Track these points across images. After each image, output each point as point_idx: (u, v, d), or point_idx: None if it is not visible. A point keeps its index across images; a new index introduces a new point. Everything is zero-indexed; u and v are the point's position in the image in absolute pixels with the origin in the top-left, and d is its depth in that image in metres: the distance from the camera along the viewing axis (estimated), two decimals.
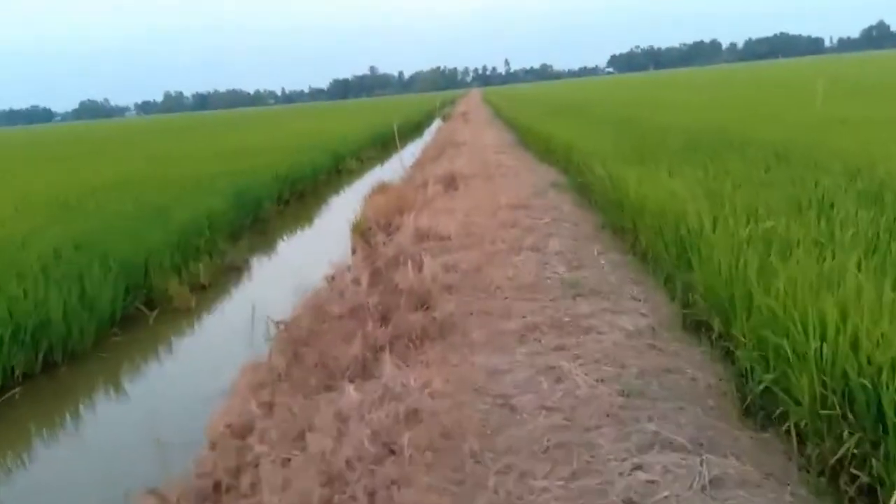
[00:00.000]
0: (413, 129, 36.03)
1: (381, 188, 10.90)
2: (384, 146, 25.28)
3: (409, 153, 20.56)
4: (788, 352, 2.95)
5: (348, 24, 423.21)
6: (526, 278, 5.28)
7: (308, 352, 4.71)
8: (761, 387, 3.13)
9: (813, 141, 9.30)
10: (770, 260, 3.92)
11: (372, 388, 3.64)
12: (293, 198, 13.28)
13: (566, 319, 4.38)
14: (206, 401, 4.38)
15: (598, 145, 11.96)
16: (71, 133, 49.03)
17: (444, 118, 41.65)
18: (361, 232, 8.72)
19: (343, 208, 11.30)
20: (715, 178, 7.34)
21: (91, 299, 5.89)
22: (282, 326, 5.63)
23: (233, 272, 8.12)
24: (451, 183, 11.28)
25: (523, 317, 4.50)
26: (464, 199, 9.64)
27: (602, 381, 3.42)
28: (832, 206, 5.22)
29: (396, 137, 15.04)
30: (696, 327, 4.35)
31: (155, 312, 6.79)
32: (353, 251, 8.62)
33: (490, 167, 12.97)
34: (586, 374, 3.49)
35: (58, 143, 31.64)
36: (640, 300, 4.88)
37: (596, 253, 6.22)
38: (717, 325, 4.05)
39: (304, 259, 8.49)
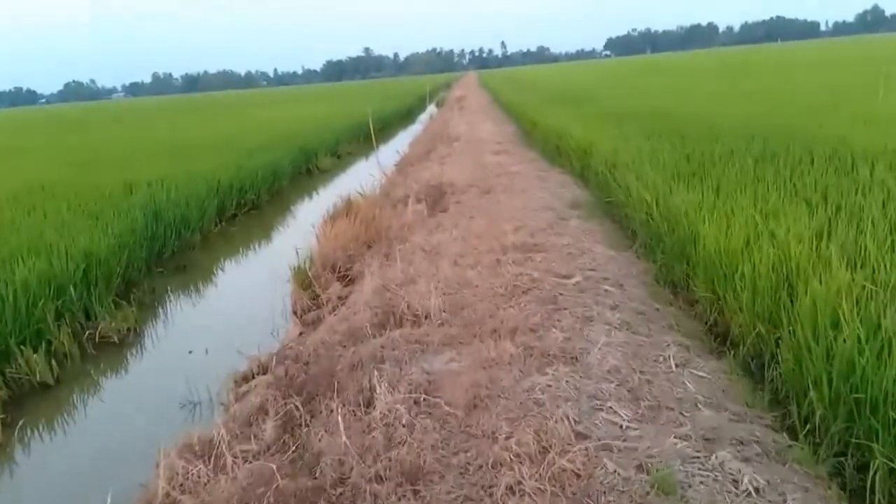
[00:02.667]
0: (403, 117, 33.20)
1: (347, 206, 8.28)
2: (368, 138, 22.51)
3: (395, 148, 17.84)
4: None
5: (343, 4, 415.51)
6: (566, 458, 2.68)
7: None
8: None
9: None
10: None
11: None
12: (241, 212, 10.60)
13: None
14: None
15: (624, 147, 9.34)
16: None
17: (438, 104, 38.77)
18: (306, 282, 6.09)
19: (303, 226, 8.68)
20: (840, 216, 4.75)
21: None
22: None
23: (102, 354, 5.39)
24: (438, 199, 8.63)
25: None
26: (454, 229, 7.01)
27: None
28: None
29: (373, 132, 12.31)
30: None
31: None
32: (294, 311, 6.00)
33: (489, 174, 10.32)
34: None
35: None
36: None
37: (674, 365, 3.62)
38: None
39: (218, 331, 5.88)
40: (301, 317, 5.82)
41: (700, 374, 3.58)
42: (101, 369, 5.11)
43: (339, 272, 6.65)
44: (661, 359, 3.69)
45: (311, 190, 13.50)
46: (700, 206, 5.57)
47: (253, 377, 4.41)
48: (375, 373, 3.44)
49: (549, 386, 3.33)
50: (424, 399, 3.27)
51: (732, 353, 4.01)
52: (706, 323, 4.60)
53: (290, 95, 59.71)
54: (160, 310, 6.39)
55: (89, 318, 5.75)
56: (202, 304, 6.77)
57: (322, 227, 7.79)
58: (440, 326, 4.29)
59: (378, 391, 3.28)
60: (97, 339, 5.44)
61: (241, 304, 6.56)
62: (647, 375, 3.46)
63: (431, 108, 36.96)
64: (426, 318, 4.44)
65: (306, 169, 15.28)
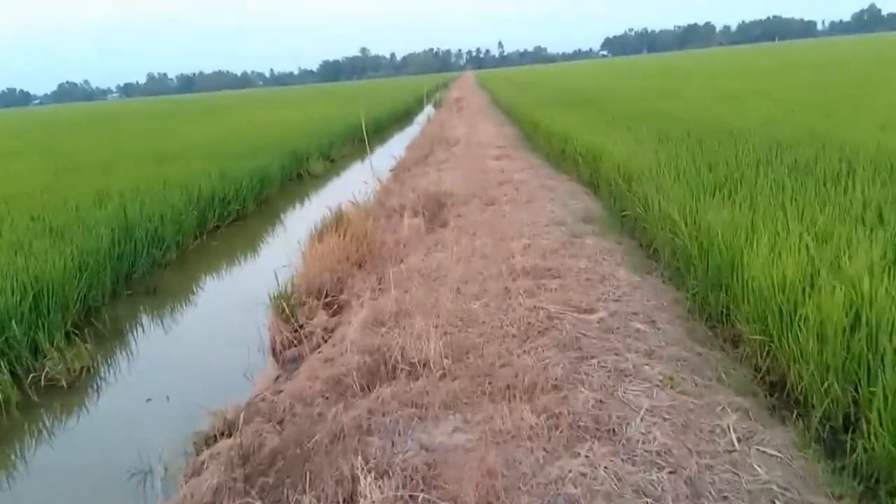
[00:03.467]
0: (400, 118, 32.45)
1: (337, 220, 7.53)
2: (364, 140, 21.75)
3: (391, 151, 17.09)
4: None
5: (340, 4, 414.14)
6: None
7: None
8: None
9: None
10: None
11: None
12: (225, 223, 9.84)
13: None
14: None
15: (637, 153, 8.62)
16: None
17: (436, 105, 38.03)
18: (286, 312, 5.34)
19: (290, 239, 7.93)
20: None
21: None
22: None
23: (46, 402, 4.59)
24: (436, 212, 7.89)
25: None
26: (455, 245, 6.27)
27: None
28: None
29: (366, 137, 11.56)
30: None
31: None
32: (272, 346, 5.26)
33: (491, 181, 9.58)
34: None
35: None
36: None
37: (735, 439, 2.88)
38: None
39: (184, 371, 5.14)
40: (280, 353, 5.08)
41: (769, 451, 2.85)
42: (40, 424, 4.35)
43: (327, 297, 5.91)
44: (718, 430, 2.95)
45: (302, 197, 12.73)
46: (736, 225, 4.84)
47: (216, 439, 3.67)
48: (360, 458, 2.69)
49: (583, 475, 2.59)
50: (423, 496, 2.53)
51: (799, 415, 3.28)
52: (757, 370, 3.87)
53: (284, 96, 58.89)
54: (121, 344, 5.62)
55: (38, 356, 5.00)
56: (170, 335, 6.00)
57: (309, 244, 7.04)
58: (441, 379, 3.55)
59: (362, 484, 2.53)
60: (42, 384, 4.68)
61: (213, 335, 5.80)
62: (705, 457, 2.73)
63: (429, 109, 36.22)
64: (424, 367, 3.70)
65: (297, 174, 14.51)
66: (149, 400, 4.51)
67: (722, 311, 4.49)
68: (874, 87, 14.25)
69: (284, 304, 5.47)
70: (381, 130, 25.69)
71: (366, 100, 37.27)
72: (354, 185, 11.49)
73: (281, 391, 4.03)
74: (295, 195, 12.76)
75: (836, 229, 4.54)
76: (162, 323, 6.22)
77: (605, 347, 3.75)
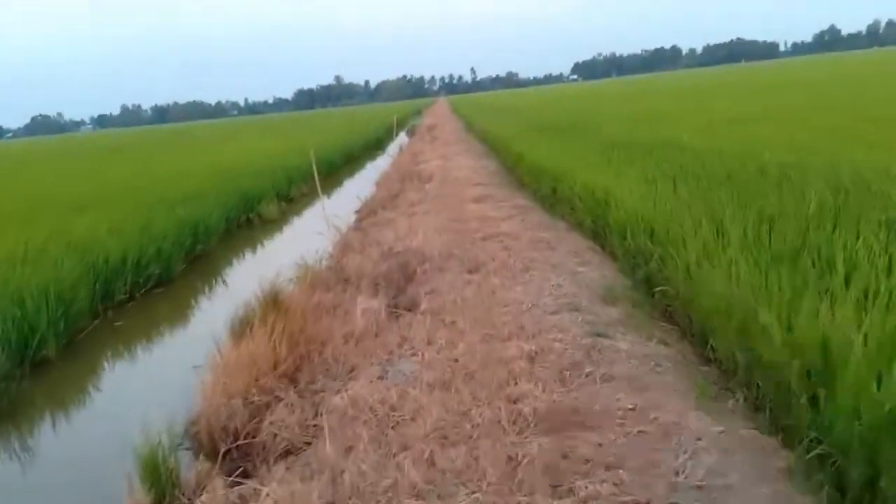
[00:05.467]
0: (371, 147, 30.64)
1: (268, 304, 5.58)
2: (329, 174, 19.91)
3: (357, 188, 15.22)
4: None
5: (313, 33, 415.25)
6: None
7: None
8: None
9: None
10: None
11: None
12: (140, 293, 7.80)
13: None
14: None
15: (652, 195, 6.87)
16: None
17: (410, 133, 36.35)
18: (161, 479, 3.35)
19: (217, 316, 5.95)
20: None
21: None
22: None
23: None
24: (402, 286, 5.97)
25: None
26: (426, 350, 4.36)
27: None
28: None
29: (317, 180, 9.68)
30: None
31: None
32: None
33: (473, 234, 7.72)
34: None
35: None
36: None
37: None
38: None
39: None
40: None
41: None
42: None
43: (236, 440, 3.94)
44: None
45: (247, 250, 10.71)
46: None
47: None
48: None
49: None
50: None
51: None
52: None
53: (253, 125, 56.77)
54: None
55: None
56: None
57: (226, 344, 5.07)
58: None
59: None
60: None
61: None
62: None
63: (402, 137, 34.51)
64: None
65: (246, 219, 12.51)
66: None
67: None
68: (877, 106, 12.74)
69: (160, 466, 3.49)
70: (349, 163, 23.85)
71: (334, 129, 35.43)
72: (311, 232, 9.59)
73: None
74: (240, 248, 10.73)
75: None
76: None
77: None
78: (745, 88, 28.26)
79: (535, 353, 4.05)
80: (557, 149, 12.72)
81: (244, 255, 10.34)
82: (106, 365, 6.13)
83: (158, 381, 5.57)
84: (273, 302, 5.53)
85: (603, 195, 7.73)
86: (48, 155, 31.79)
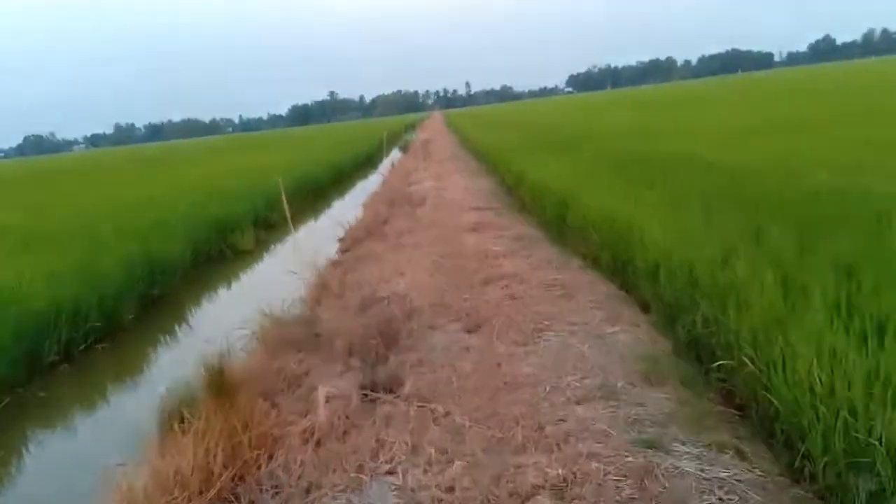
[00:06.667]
0: (363, 164, 29.49)
1: (214, 385, 4.35)
2: (317, 195, 18.75)
3: (345, 212, 14.01)
4: None
5: (307, 49, 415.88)
6: None
7: None
8: None
9: None
10: None
11: None
12: (79, 350, 6.54)
13: None
14: None
15: (686, 230, 5.68)
16: None
17: (403, 148, 35.19)
18: None
19: (171, 374, 4.72)
20: None
21: None
22: None
23: None
24: (383, 355, 4.72)
25: None
26: (410, 470, 3.11)
27: None
28: None
29: (287, 212, 8.50)
30: None
31: None
32: None
33: (471, 275, 6.49)
34: None
35: None
36: None
37: None
38: None
39: None
40: None
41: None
42: None
43: None
44: None
45: (212, 290, 9.45)
46: None
47: None
48: None
49: None
50: None
51: None
52: None
53: (243, 143, 55.50)
54: None
55: None
56: None
57: (151, 446, 3.83)
58: None
59: None
60: None
61: None
62: None
63: (395, 153, 33.36)
64: None
65: (219, 251, 11.27)
66: None
67: None
68: None
69: None
70: (338, 182, 22.67)
71: (326, 145, 34.25)
72: (287, 266, 8.34)
73: None
74: (205, 288, 9.45)
75: None
76: None
77: None
78: (751, 98, 27.17)
79: (564, 481, 2.82)
80: (562, 166, 11.52)
81: (209, 298, 9.06)
82: (11, 456, 4.85)
83: (66, 483, 4.30)
84: (217, 384, 4.28)
85: (624, 227, 6.52)
86: (9, 182, 29.70)
